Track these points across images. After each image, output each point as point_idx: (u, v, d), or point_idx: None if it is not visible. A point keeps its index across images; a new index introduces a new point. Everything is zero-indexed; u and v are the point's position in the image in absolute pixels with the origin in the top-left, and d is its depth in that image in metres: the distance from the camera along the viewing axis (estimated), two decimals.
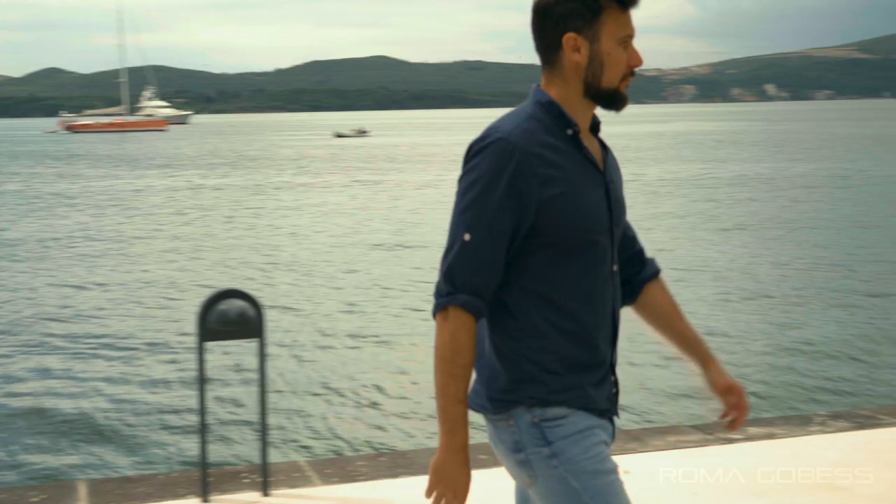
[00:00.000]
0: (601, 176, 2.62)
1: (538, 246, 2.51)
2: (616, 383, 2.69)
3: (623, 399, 9.58)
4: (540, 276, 2.52)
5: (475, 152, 2.51)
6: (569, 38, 2.53)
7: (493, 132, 2.50)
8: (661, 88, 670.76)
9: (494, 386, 2.56)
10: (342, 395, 12.44)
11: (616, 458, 5.72)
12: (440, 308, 2.49)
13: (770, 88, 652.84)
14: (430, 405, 11.82)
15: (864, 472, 5.59)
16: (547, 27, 2.56)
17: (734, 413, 2.86)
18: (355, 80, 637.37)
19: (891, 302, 17.33)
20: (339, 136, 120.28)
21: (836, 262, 21.73)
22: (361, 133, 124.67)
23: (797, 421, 6.59)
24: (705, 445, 6.05)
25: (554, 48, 2.57)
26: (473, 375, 2.57)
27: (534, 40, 2.62)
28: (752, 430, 6.32)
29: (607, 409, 2.64)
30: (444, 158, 68.27)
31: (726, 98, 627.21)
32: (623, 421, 10.45)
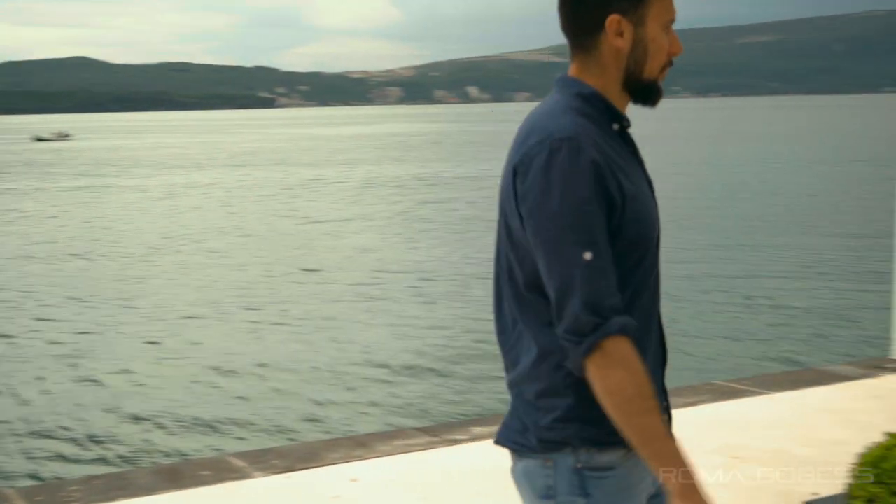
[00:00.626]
0: (644, 172, 2.32)
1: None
2: (668, 409, 2.35)
3: (346, 406, 9.46)
4: None
5: (543, 163, 2.12)
6: (613, 20, 2.21)
7: (551, 134, 2.13)
8: (368, 90, 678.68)
9: (538, 423, 2.23)
10: (49, 418, 11.78)
11: (343, 467, 5.71)
12: (593, 348, 2.07)
13: (472, 91, 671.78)
14: (141, 422, 11.50)
15: None
16: (585, 7, 2.23)
17: None
18: (54, 82, 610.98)
19: None
20: (39, 139, 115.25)
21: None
22: (63, 136, 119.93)
23: None
24: (432, 448, 6.02)
25: (592, 31, 2.24)
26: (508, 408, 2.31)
27: (564, 21, 2.28)
28: (478, 429, 6.35)
29: None
30: (151, 161, 66.39)
31: (431, 100, 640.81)
32: (349, 426, 10.43)
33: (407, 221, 30.53)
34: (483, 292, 18.59)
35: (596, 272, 2.07)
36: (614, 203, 2.12)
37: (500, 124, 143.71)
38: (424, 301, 18.00)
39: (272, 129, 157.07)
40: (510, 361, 2.31)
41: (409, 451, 5.94)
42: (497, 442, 2.34)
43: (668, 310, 15.33)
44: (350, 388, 12.47)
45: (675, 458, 2.09)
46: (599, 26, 2.22)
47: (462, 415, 10.68)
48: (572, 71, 2.30)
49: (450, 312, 16.98)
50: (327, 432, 10.27)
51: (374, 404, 11.70)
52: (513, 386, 2.30)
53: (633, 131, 2.30)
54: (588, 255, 2.07)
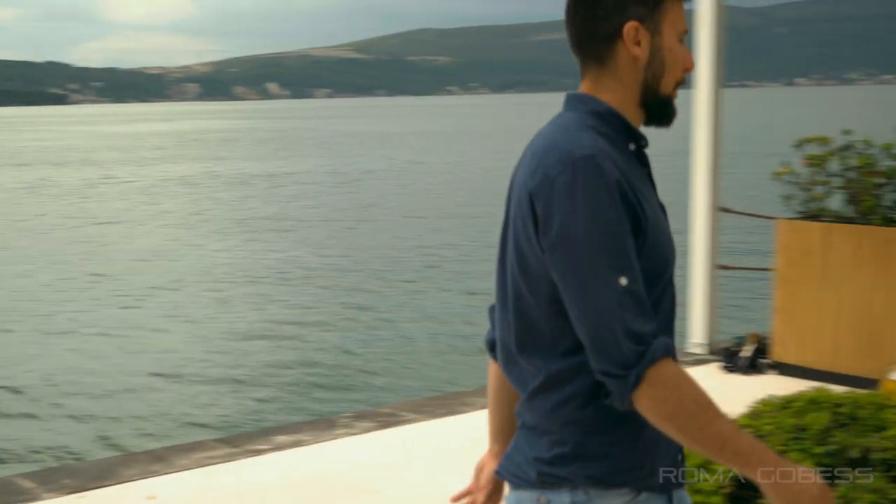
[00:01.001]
0: (657, 194, 2.20)
1: None
2: (681, 448, 2.18)
3: (141, 419, 9.04)
4: None
5: (565, 183, 1.97)
6: (630, 27, 2.09)
7: (571, 153, 1.99)
8: (165, 87, 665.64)
9: (540, 456, 2.10)
10: None
11: (140, 483, 5.49)
12: (641, 380, 1.93)
13: (272, 87, 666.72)
14: None
15: (392, 472, 5.64)
16: (599, 15, 2.10)
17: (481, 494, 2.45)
18: None
19: (407, 297, 17.95)
20: None
21: (337, 259, 22.24)
22: None
23: (323, 425, 6.56)
24: (234, 459, 5.86)
25: (607, 41, 2.11)
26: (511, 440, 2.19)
27: (576, 33, 2.16)
28: (280, 438, 6.22)
29: (665, 481, 2.14)
30: None
31: (230, 96, 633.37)
32: (145, 440, 10.05)
33: (203, 221, 29.88)
34: (281, 293, 18.31)
35: (633, 298, 1.94)
36: (640, 226, 2.00)
37: (300, 121, 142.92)
38: (222, 305, 17.57)
39: (64, 126, 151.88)
40: (517, 390, 2.20)
41: (210, 464, 5.78)
42: (497, 473, 2.23)
43: (459, 313, 15.25)
44: (145, 400, 12.01)
45: (756, 448, 1.97)
46: (615, 35, 2.10)
47: (261, 422, 10.44)
48: (584, 88, 2.17)
49: (248, 316, 16.64)
50: (122, 448, 9.86)
51: (170, 416, 11.29)
52: (518, 416, 2.19)
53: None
54: (624, 281, 1.94)
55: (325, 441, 6.16)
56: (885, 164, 7.00)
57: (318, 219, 29.80)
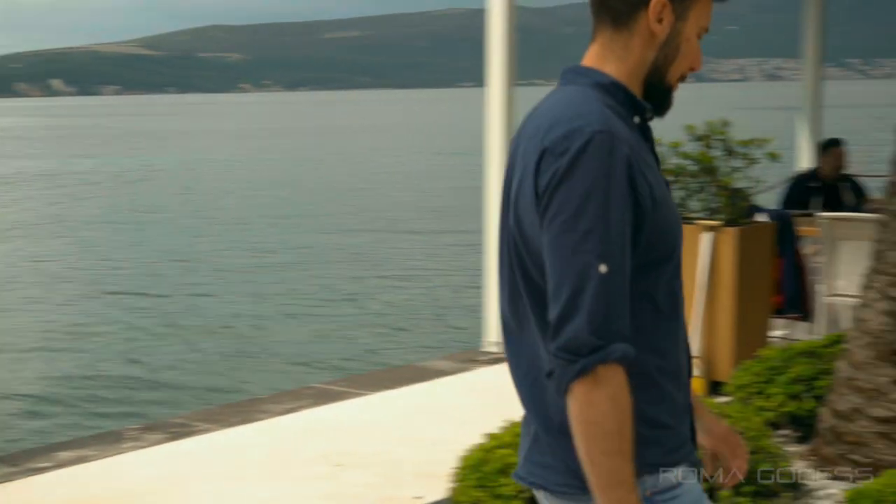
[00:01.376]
0: (660, 171, 2.09)
1: (636, 267, 1.94)
2: (693, 423, 2.15)
3: None
4: (636, 306, 1.94)
5: (570, 159, 1.88)
6: (658, 2, 2.00)
7: (580, 127, 1.89)
8: None
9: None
10: None
11: None
12: (586, 372, 1.83)
13: (56, 83, 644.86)
14: None
15: (185, 486, 5.44)
16: None
17: (737, 462, 2.32)
18: None
19: (194, 301, 17.40)
20: None
21: (120, 262, 21.40)
22: None
23: (109, 439, 6.26)
24: (12, 479, 5.54)
25: (630, 7, 2.02)
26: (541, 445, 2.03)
27: None
28: (63, 454, 5.90)
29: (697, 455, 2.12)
30: None
31: (11, 93, 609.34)
32: None
33: None
34: (61, 300, 17.45)
35: (609, 288, 1.86)
36: (644, 207, 1.92)
37: (86, 118, 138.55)
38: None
39: None
40: (532, 390, 2.04)
41: None
42: (533, 484, 2.06)
43: (260, 310, 14.84)
44: None
45: None
46: (641, 4, 2.02)
47: (41, 437, 9.85)
48: (591, 52, 2.08)
49: (24, 325, 15.68)
50: None
51: None
52: (539, 417, 2.03)
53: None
54: (603, 268, 1.86)
55: (111, 456, 5.88)
56: (673, 161, 7.15)
57: (100, 220, 28.75)
